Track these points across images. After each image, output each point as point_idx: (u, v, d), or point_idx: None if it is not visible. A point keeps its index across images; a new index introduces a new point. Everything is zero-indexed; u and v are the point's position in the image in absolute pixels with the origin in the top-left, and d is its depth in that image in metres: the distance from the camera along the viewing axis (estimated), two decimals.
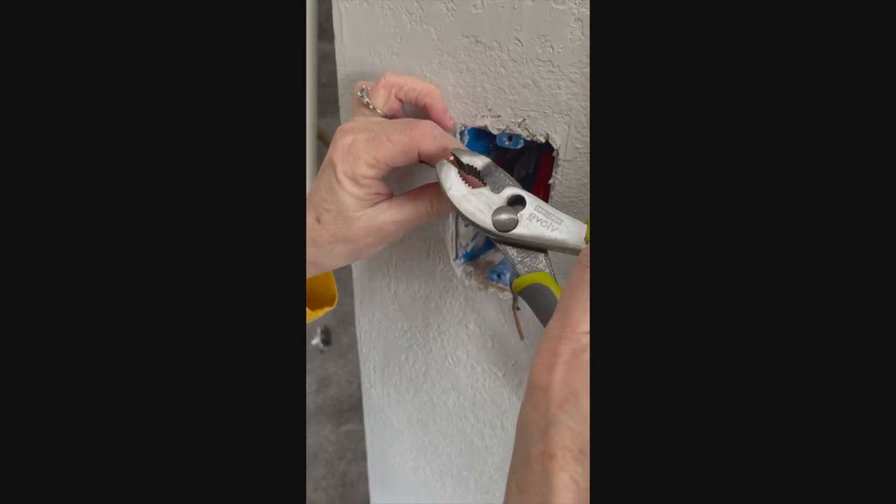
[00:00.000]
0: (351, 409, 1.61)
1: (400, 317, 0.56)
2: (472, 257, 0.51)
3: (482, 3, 0.37)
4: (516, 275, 0.35)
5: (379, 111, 0.40)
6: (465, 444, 0.60)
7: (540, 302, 0.34)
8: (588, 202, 0.39)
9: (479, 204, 0.35)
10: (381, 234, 0.39)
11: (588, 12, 0.34)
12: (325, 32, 0.53)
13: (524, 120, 0.39)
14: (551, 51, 0.36)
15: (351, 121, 0.40)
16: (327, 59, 0.55)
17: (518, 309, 0.40)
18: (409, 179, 0.46)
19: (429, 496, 0.69)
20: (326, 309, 0.51)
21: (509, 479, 0.27)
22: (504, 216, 0.34)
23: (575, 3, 0.34)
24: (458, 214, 0.35)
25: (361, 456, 1.46)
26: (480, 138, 0.44)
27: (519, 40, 0.37)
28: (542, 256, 0.35)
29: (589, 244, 0.29)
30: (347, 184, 0.37)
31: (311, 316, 0.50)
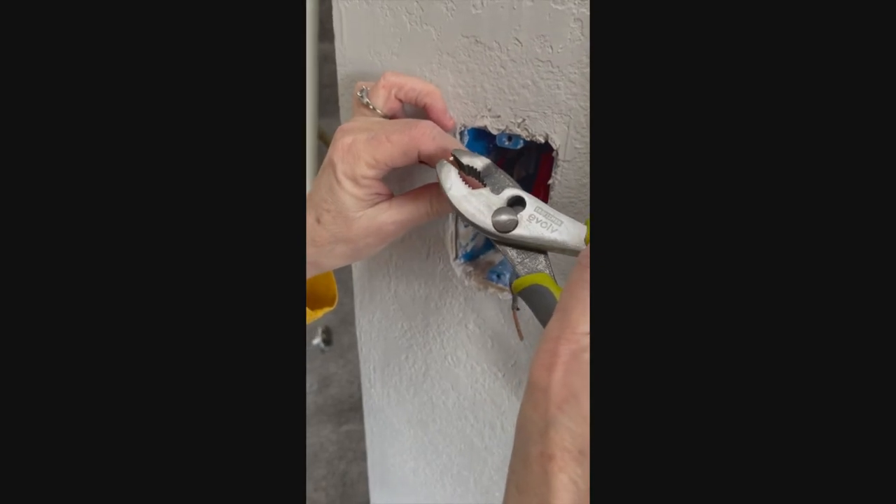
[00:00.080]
0: (352, 409, 1.61)
1: (400, 317, 0.56)
2: (471, 257, 0.51)
3: (482, 4, 0.37)
4: (516, 275, 0.35)
5: (379, 111, 0.40)
6: (465, 444, 0.61)
7: (539, 303, 0.34)
8: (588, 202, 0.39)
9: (478, 205, 0.35)
10: (381, 234, 0.39)
11: (587, 12, 0.34)
12: (327, 32, 0.53)
13: (524, 120, 0.39)
14: (550, 51, 0.36)
15: (351, 121, 0.40)
16: (328, 60, 0.55)
17: (518, 309, 0.40)
18: (409, 179, 0.46)
19: (429, 496, 0.69)
20: (327, 309, 0.51)
21: (508, 480, 0.27)
22: (504, 217, 0.34)
23: (574, 4, 0.34)
24: (458, 215, 0.35)
25: (362, 456, 1.46)
26: (480, 138, 0.44)
27: (518, 40, 0.37)
28: (541, 257, 0.35)
29: (589, 245, 0.29)
30: (347, 184, 0.37)
31: (312, 316, 0.50)
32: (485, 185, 0.35)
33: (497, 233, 0.34)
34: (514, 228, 0.34)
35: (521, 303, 0.36)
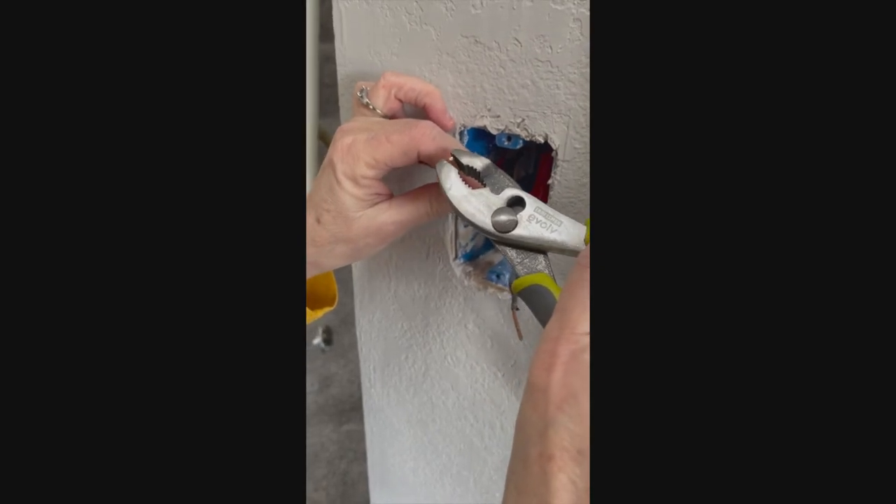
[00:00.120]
0: (352, 409, 1.61)
1: (400, 317, 0.57)
2: (471, 257, 0.51)
3: (481, 4, 0.37)
4: (515, 275, 0.35)
5: (379, 111, 0.40)
6: (465, 444, 0.61)
7: (539, 303, 0.34)
8: (587, 202, 0.39)
9: (478, 205, 0.35)
10: (381, 234, 0.39)
11: (587, 12, 0.34)
12: (327, 32, 0.53)
13: (523, 120, 0.39)
14: (550, 51, 0.36)
15: (351, 121, 0.40)
16: (328, 60, 0.55)
17: (517, 309, 0.40)
18: (409, 179, 0.46)
19: (428, 496, 0.69)
20: (327, 309, 0.51)
21: (508, 480, 0.27)
22: (504, 217, 0.34)
23: (574, 4, 0.34)
24: (458, 215, 0.35)
25: (363, 456, 1.46)
26: (480, 138, 0.44)
27: (518, 40, 0.37)
28: (541, 257, 0.35)
29: (588, 245, 0.29)
30: (347, 184, 0.37)
31: (312, 316, 0.50)
32: (484, 186, 0.35)
33: (497, 233, 0.34)
34: (513, 228, 0.34)
35: (521, 303, 0.36)
